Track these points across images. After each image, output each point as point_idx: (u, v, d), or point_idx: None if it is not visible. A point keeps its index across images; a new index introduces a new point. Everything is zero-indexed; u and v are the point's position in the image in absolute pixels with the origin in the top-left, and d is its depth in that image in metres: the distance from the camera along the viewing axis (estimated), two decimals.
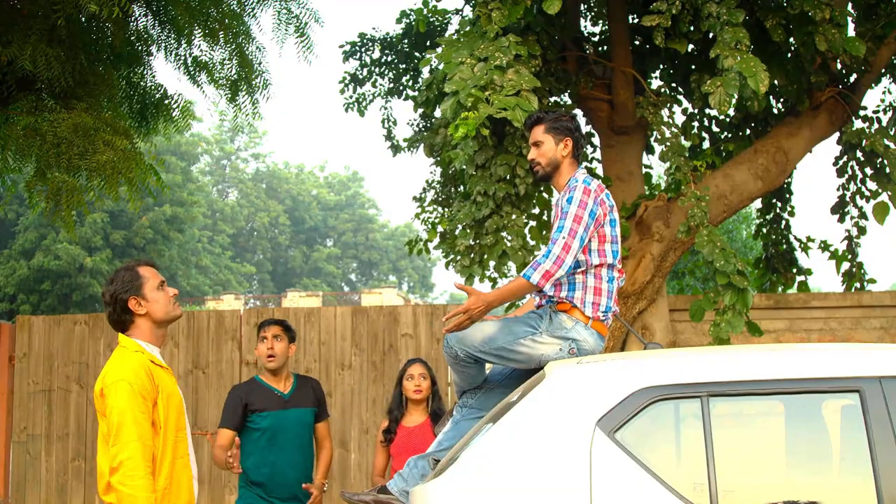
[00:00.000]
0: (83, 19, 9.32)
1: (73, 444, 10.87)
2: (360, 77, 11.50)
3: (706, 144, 10.16)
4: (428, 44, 10.53)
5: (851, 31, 8.68)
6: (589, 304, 4.38)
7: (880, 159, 8.90)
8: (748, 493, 3.45)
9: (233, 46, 9.71)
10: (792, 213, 10.72)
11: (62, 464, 10.88)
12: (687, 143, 9.42)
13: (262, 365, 5.75)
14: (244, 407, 5.52)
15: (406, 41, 10.99)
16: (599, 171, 9.56)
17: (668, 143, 8.07)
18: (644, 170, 9.48)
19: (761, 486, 3.53)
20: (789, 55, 8.65)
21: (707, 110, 9.83)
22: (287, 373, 5.74)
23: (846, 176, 9.62)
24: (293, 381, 5.73)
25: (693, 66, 9.09)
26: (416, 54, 10.91)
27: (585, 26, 10.31)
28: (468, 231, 7.99)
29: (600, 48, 9.89)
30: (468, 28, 8.01)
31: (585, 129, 9.87)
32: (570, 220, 4.28)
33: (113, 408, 3.90)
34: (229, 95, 10.45)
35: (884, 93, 9.63)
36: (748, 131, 9.87)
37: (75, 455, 10.85)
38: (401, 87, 11.51)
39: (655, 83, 9.77)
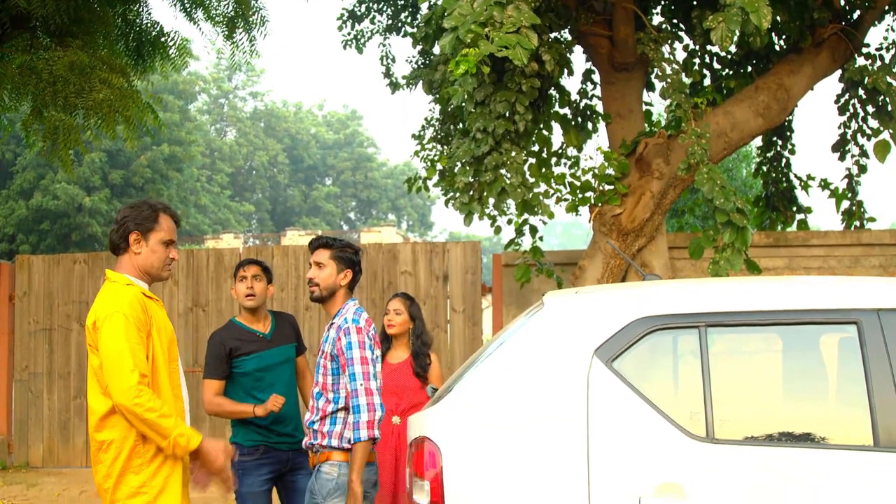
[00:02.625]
0: None
1: (75, 383, 10.94)
2: (359, 13, 11.40)
3: (707, 81, 10.08)
4: None
5: None
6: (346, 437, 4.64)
7: (882, 97, 8.84)
8: (744, 424, 3.48)
9: None
10: (792, 152, 10.68)
11: (64, 402, 10.96)
12: (688, 80, 9.35)
13: (240, 305, 5.70)
14: (228, 354, 5.47)
15: None
16: (600, 108, 9.51)
17: (668, 80, 8.01)
18: (644, 107, 9.42)
19: (757, 417, 3.56)
20: None
21: (708, 46, 9.73)
22: (265, 312, 5.69)
23: (847, 114, 9.56)
24: (271, 319, 5.69)
25: (694, 2, 9.00)
26: None
27: None
28: (467, 168, 7.96)
29: None
30: None
31: (585, 65, 9.80)
32: (357, 365, 4.57)
33: (108, 340, 3.89)
34: (226, 33, 10.36)
35: (887, 30, 9.52)
36: (749, 68, 9.79)
37: (77, 393, 10.92)
38: (399, 24, 11.40)
39: (656, 19, 9.67)
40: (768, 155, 10.76)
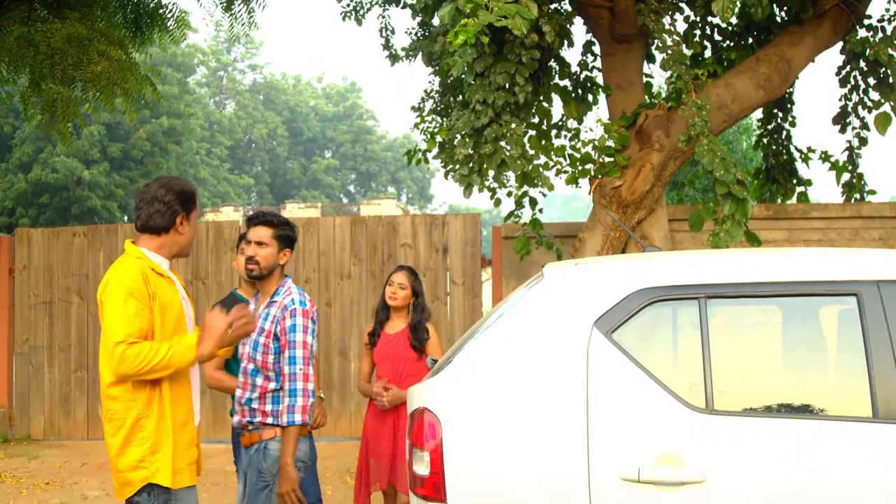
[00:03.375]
0: None
1: (76, 356, 10.96)
2: None
3: (708, 53, 10.03)
4: None
5: None
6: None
7: (884, 69, 8.80)
8: (743, 395, 3.48)
9: None
10: (793, 124, 10.64)
11: (64, 375, 10.98)
12: (688, 52, 9.30)
13: (240, 277, 5.64)
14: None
15: None
16: (600, 79, 9.47)
17: (669, 52, 7.96)
18: (645, 78, 9.38)
19: (757, 389, 3.56)
20: None
21: (709, 18, 9.68)
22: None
23: (848, 86, 9.52)
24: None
25: None
26: None
27: None
28: (467, 140, 7.94)
29: None
30: None
31: (585, 36, 9.75)
32: (299, 349, 4.65)
33: (109, 310, 3.93)
34: (224, 4, 10.31)
35: (889, 1, 9.46)
36: (750, 40, 9.74)
37: (77, 366, 10.94)
38: None
39: None
40: (769, 127, 10.73)
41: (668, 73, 8.17)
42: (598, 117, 8.77)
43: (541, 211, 8.87)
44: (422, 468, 3.54)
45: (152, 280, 4.09)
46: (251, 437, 4.72)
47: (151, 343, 3.93)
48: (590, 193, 8.63)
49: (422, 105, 10.55)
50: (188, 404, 4.21)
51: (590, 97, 9.77)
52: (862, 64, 9.15)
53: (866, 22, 9.09)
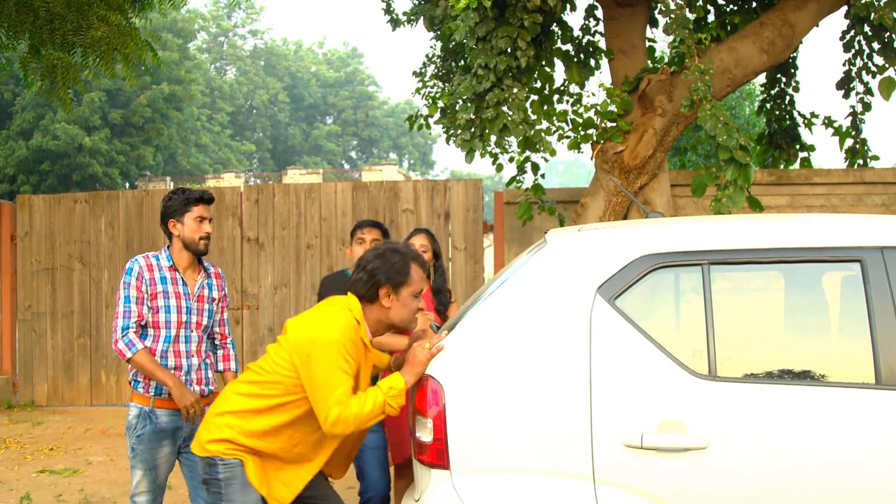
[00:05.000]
0: None
1: (78, 322, 10.98)
2: None
3: (711, 17, 9.97)
4: None
5: None
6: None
7: (888, 33, 8.74)
8: (746, 361, 3.48)
9: None
10: (797, 89, 10.59)
11: (67, 341, 11.01)
12: (692, 16, 9.25)
13: (350, 261, 5.72)
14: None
15: None
16: (602, 44, 9.42)
17: (672, 16, 7.90)
18: (647, 43, 9.32)
19: (760, 355, 3.56)
20: None
21: None
22: None
23: (853, 51, 9.46)
24: None
25: None
26: None
27: None
28: (469, 105, 7.91)
29: None
30: None
31: (588, 0, 9.68)
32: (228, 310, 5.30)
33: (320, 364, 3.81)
34: None
35: None
36: (754, 3, 9.67)
37: (80, 332, 10.97)
38: None
39: None
40: (772, 92, 10.68)
41: (671, 37, 8.11)
42: (600, 82, 8.73)
43: (543, 176, 8.85)
44: (425, 434, 3.55)
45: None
46: (202, 402, 4.95)
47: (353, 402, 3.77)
48: (592, 159, 8.60)
49: (423, 70, 10.50)
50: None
51: (592, 62, 9.73)
52: (866, 28, 9.09)
53: None
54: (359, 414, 3.70)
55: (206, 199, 5.00)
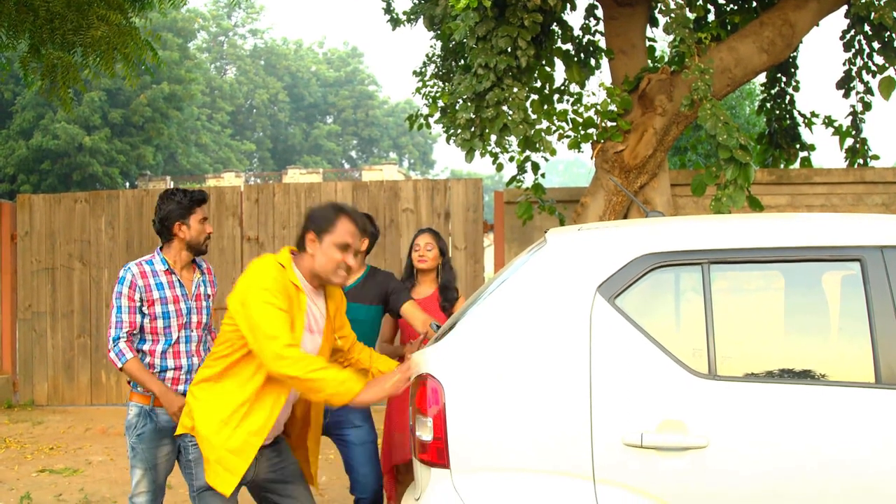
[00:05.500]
0: None
1: (79, 321, 10.98)
2: None
3: (711, 16, 9.97)
4: None
5: None
6: None
7: (888, 33, 8.74)
8: (746, 361, 3.48)
9: None
10: (797, 89, 10.59)
11: (68, 341, 11.02)
12: (692, 15, 9.25)
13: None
14: None
15: None
16: (602, 43, 9.42)
17: (672, 15, 7.90)
18: (647, 42, 9.32)
19: (759, 354, 3.56)
20: None
21: None
22: (359, 264, 5.53)
23: (853, 50, 9.46)
24: (361, 274, 5.58)
25: None
26: None
27: None
28: (469, 104, 7.91)
29: None
30: None
31: (588, 0, 9.68)
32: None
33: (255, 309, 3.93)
34: None
35: None
36: (754, 3, 9.68)
37: (80, 332, 10.97)
38: None
39: None
40: (772, 92, 10.68)
41: (671, 36, 8.11)
42: (600, 81, 8.73)
43: (543, 176, 8.85)
44: (425, 434, 3.55)
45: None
46: None
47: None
48: (592, 158, 8.61)
49: (423, 69, 10.50)
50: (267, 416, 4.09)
51: (592, 61, 9.73)
52: (866, 28, 9.09)
53: None
54: (304, 360, 3.76)
55: (206, 199, 5.03)
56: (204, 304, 5.03)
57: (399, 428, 5.69)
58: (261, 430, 3.97)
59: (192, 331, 4.93)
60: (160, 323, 4.82)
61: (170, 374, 4.84)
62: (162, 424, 4.80)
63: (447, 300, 5.96)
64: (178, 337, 4.87)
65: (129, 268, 4.84)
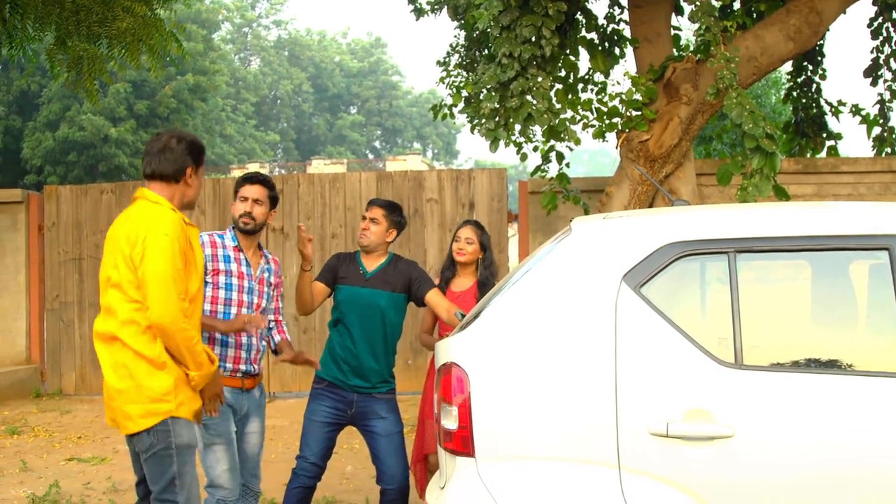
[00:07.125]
0: None
1: None
2: None
3: (737, 4, 9.91)
4: None
5: None
6: None
7: None
8: (772, 350, 3.46)
9: None
10: (823, 77, 10.51)
11: None
12: (717, 3, 9.19)
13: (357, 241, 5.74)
14: (334, 271, 5.50)
15: None
16: (627, 32, 9.38)
17: (697, 3, 7.86)
18: (672, 31, 9.27)
19: (786, 343, 3.54)
20: None
21: None
22: (382, 252, 5.54)
23: (880, 38, 9.40)
24: (383, 261, 5.59)
25: None
26: None
27: None
28: (493, 94, 7.90)
29: None
30: None
31: None
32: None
33: (155, 260, 4.03)
34: None
35: None
36: None
37: None
38: None
39: None
40: (798, 80, 10.61)
41: (697, 25, 8.07)
42: (625, 70, 8.70)
43: (567, 165, 8.83)
44: (450, 422, 3.55)
45: (190, 233, 4.13)
46: (257, 379, 5.08)
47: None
48: (617, 148, 8.58)
49: (447, 59, 10.50)
50: None
51: (617, 50, 9.69)
52: (894, 15, 9.01)
53: None
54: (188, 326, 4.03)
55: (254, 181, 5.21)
56: (265, 289, 5.09)
57: (433, 416, 5.66)
58: None
59: (252, 311, 4.97)
60: (222, 294, 4.87)
61: (230, 353, 4.89)
62: (228, 402, 4.79)
63: (484, 295, 5.89)
64: (238, 313, 4.90)
65: (201, 235, 4.85)
